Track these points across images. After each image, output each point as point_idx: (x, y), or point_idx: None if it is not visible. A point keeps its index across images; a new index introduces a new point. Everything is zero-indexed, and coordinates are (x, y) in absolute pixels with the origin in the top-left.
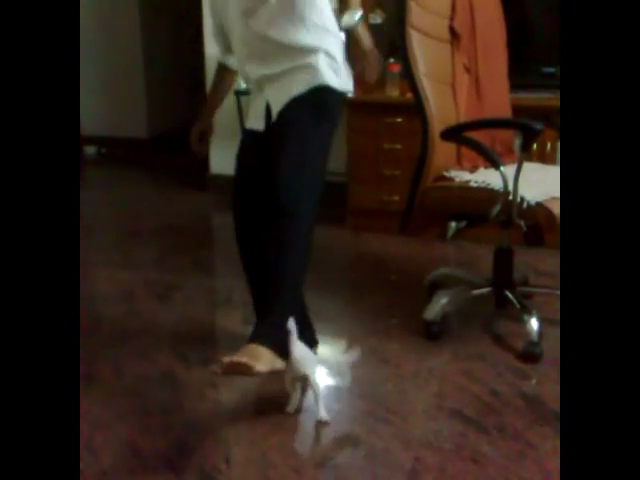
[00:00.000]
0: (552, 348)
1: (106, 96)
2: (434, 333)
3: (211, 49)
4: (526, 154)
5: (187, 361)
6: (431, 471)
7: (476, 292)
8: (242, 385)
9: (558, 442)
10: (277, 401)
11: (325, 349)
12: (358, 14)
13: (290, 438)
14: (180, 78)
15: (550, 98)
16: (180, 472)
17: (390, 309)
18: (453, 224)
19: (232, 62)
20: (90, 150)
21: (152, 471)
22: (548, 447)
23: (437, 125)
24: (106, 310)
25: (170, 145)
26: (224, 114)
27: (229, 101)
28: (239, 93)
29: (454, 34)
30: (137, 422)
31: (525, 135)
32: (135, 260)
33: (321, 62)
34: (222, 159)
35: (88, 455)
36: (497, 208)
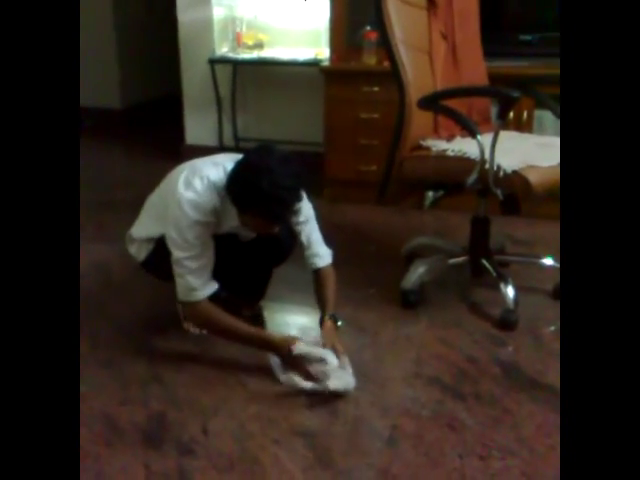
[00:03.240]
0: (528, 315)
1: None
2: (411, 302)
3: (184, 16)
4: (503, 122)
5: (165, 333)
6: (409, 438)
7: (453, 261)
8: (220, 356)
9: (534, 408)
10: (255, 372)
11: (304, 319)
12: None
13: (268, 408)
14: (154, 47)
15: (526, 66)
16: (158, 444)
17: (368, 279)
18: (430, 193)
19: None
20: None
21: (129, 443)
22: (524, 413)
23: (414, 93)
24: (82, 283)
25: (144, 116)
26: (198, 83)
27: (203, 70)
28: (213, 61)
29: (430, 0)
30: (114, 395)
31: (502, 103)
32: (110, 233)
33: None
34: (197, 129)
35: None
36: (473, 177)
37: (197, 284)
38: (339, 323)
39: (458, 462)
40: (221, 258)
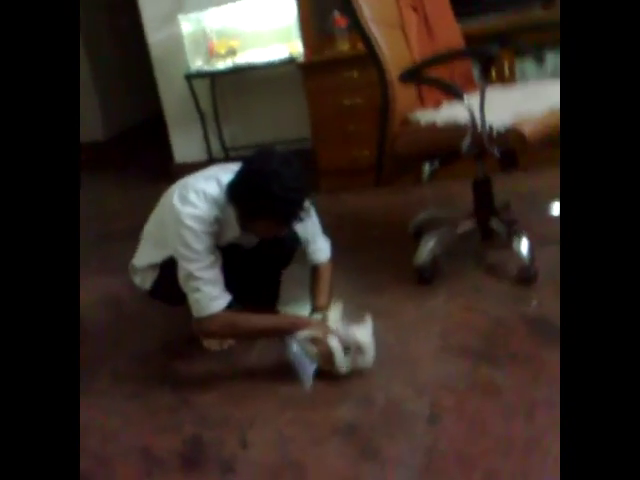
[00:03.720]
0: (546, 267)
1: None
2: (426, 277)
3: (153, 37)
4: (486, 81)
5: (185, 356)
6: (450, 413)
7: (461, 229)
8: (246, 368)
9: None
10: (283, 377)
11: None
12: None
13: (303, 410)
14: (129, 73)
15: (499, 18)
16: (199, 466)
17: (379, 263)
18: (426, 166)
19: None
20: None
21: (170, 471)
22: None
23: (393, 70)
24: (95, 318)
25: (130, 142)
26: (178, 101)
27: (181, 86)
28: (189, 76)
29: None
30: (145, 425)
31: (482, 62)
32: (114, 264)
33: None
34: (184, 147)
35: (101, 468)
36: (467, 141)
37: (217, 292)
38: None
39: (504, 427)
40: (226, 271)
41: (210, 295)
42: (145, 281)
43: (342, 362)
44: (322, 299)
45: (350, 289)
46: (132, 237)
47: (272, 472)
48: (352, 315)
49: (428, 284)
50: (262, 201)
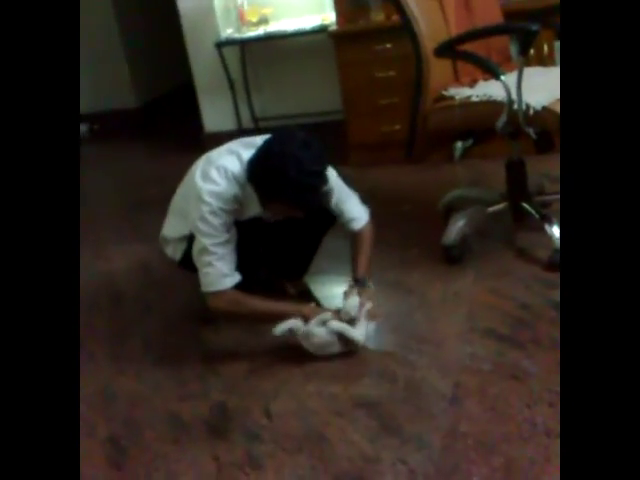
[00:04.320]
0: None
1: (88, 72)
2: (455, 257)
3: (184, 4)
4: (525, 59)
5: (213, 325)
6: (473, 395)
7: (492, 209)
8: (272, 340)
9: None
10: (307, 352)
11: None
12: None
13: (327, 383)
14: (160, 41)
15: None
16: (224, 434)
17: (407, 240)
18: (459, 144)
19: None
20: (82, 129)
21: (196, 438)
22: None
23: (429, 44)
24: (126, 285)
25: (161, 110)
26: (208, 69)
27: (211, 55)
28: (220, 44)
29: None
30: (174, 392)
31: (521, 39)
32: (145, 232)
33: None
34: (214, 116)
35: (129, 431)
36: (503, 120)
37: (227, 270)
38: (369, 285)
39: (527, 412)
40: (259, 238)
41: (221, 272)
42: (176, 252)
43: (355, 335)
44: (360, 271)
45: (378, 265)
46: (163, 205)
47: (295, 442)
48: (379, 292)
49: (457, 263)
50: (278, 184)
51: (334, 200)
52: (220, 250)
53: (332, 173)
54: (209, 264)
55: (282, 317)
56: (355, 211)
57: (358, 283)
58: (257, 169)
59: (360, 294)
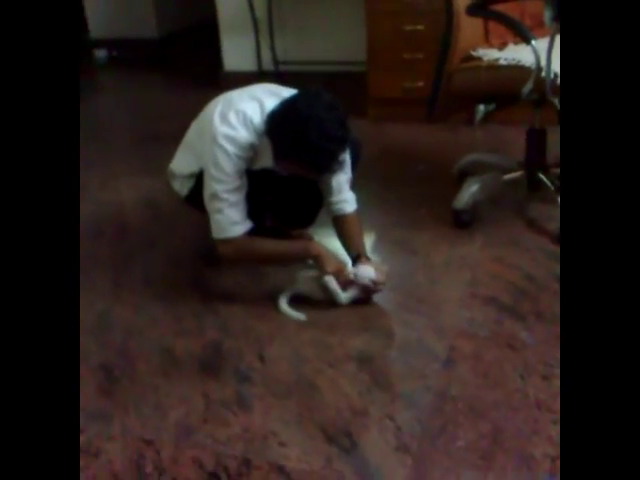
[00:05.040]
0: None
1: None
2: (464, 221)
3: None
4: (558, 26)
5: (216, 265)
6: (467, 359)
7: (508, 177)
8: (273, 285)
9: None
10: (307, 299)
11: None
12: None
13: (323, 333)
14: None
15: None
16: (216, 373)
17: (418, 200)
18: (481, 107)
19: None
20: (100, 54)
21: (187, 374)
22: None
23: (462, 0)
24: (132, 218)
25: (181, 43)
26: (233, 6)
27: None
28: None
29: None
30: (169, 327)
31: (556, 4)
32: (155, 165)
33: None
34: (235, 55)
35: (122, 361)
36: (529, 86)
37: (239, 217)
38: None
39: (519, 382)
40: (269, 186)
41: (231, 219)
42: (183, 188)
43: (340, 296)
44: (360, 247)
45: (387, 222)
46: (175, 141)
47: (285, 388)
48: (384, 249)
49: (466, 228)
50: (297, 145)
51: (339, 175)
52: (231, 197)
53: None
54: (220, 211)
55: (294, 256)
56: (349, 194)
57: (366, 260)
58: (278, 124)
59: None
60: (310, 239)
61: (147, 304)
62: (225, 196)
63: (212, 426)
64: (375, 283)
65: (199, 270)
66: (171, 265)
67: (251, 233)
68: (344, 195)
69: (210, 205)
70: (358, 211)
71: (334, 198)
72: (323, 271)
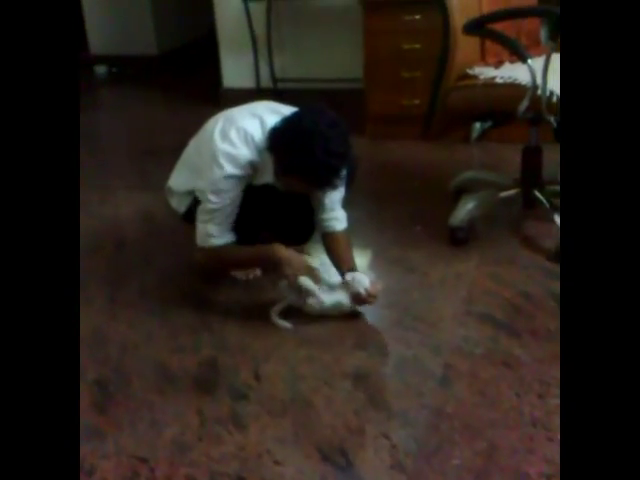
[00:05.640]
0: None
1: (113, 13)
2: (460, 239)
3: None
4: (554, 44)
5: (213, 280)
6: (463, 377)
7: (504, 194)
8: (269, 302)
9: None
10: (304, 317)
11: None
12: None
13: (318, 351)
14: None
15: None
16: (211, 390)
17: (415, 217)
18: (478, 125)
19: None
20: (100, 70)
21: (182, 390)
22: None
23: (458, 19)
24: (128, 233)
25: (181, 60)
26: (232, 23)
27: (237, 8)
28: None
29: None
30: (165, 343)
31: (553, 23)
32: (153, 181)
33: None
34: (234, 71)
35: (117, 377)
36: (525, 104)
37: (215, 231)
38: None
39: (515, 400)
40: (267, 202)
41: (209, 232)
42: (180, 205)
43: (318, 297)
44: (351, 264)
45: (383, 240)
46: (173, 156)
47: (281, 406)
48: (380, 267)
49: (462, 245)
50: (302, 160)
51: (331, 194)
52: (216, 216)
53: None
54: (204, 222)
55: (255, 260)
56: (341, 212)
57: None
58: (282, 140)
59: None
60: (279, 244)
61: (143, 320)
62: (213, 214)
63: (207, 444)
64: (368, 294)
65: (195, 286)
66: (167, 281)
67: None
68: (336, 213)
69: (199, 216)
70: (354, 228)
71: (325, 215)
72: (282, 273)
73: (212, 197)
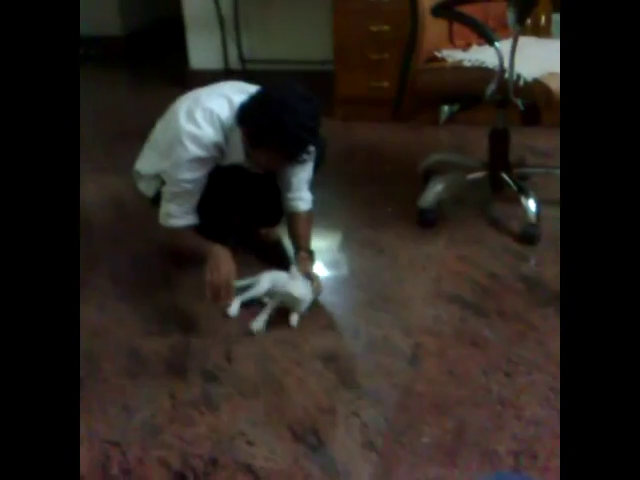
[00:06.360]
0: (550, 229)
1: None
2: (429, 220)
3: None
4: (521, 28)
5: (182, 265)
6: (432, 356)
7: (471, 176)
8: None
9: (559, 322)
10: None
11: (320, 242)
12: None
13: (289, 332)
14: None
15: None
16: (182, 373)
17: (385, 199)
18: (446, 108)
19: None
20: None
21: (154, 374)
22: (549, 327)
23: (426, 1)
24: (98, 216)
25: (147, 41)
26: (199, 3)
27: None
28: None
29: None
30: (136, 327)
31: (520, 6)
32: (122, 164)
33: None
34: (201, 52)
35: (87, 362)
36: (492, 87)
37: (176, 212)
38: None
39: (483, 379)
40: (237, 185)
41: (170, 212)
42: (149, 188)
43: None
44: (304, 241)
45: (353, 222)
46: (141, 139)
47: (252, 387)
48: (351, 248)
49: (431, 227)
50: (272, 131)
51: (299, 172)
52: (181, 196)
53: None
54: (167, 201)
55: (200, 252)
56: (307, 193)
57: (306, 254)
58: (252, 112)
59: (307, 268)
60: (221, 247)
61: (113, 304)
62: (173, 196)
63: (179, 426)
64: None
65: (165, 270)
66: (137, 265)
67: (218, 230)
68: (301, 193)
69: (163, 193)
70: (324, 210)
71: (291, 195)
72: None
73: (175, 178)
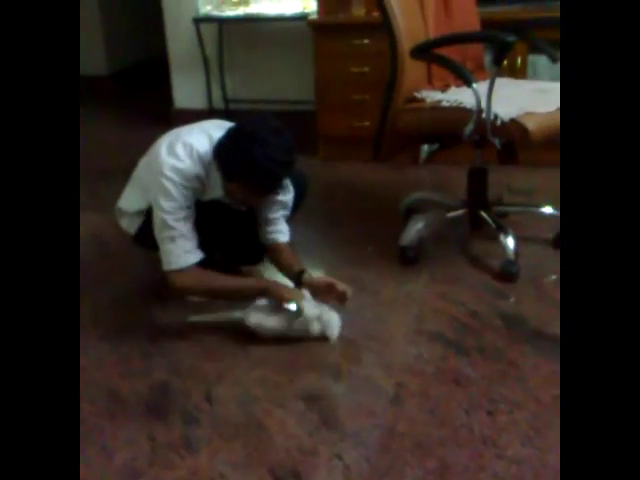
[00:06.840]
0: (529, 266)
1: None
2: (410, 258)
3: None
4: (498, 69)
5: (164, 303)
6: (414, 396)
7: (451, 214)
8: (221, 323)
9: (539, 359)
10: (256, 338)
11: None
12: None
13: (271, 373)
14: (137, 9)
15: (520, 10)
16: (162, 414)
17: (366, 237)
18: (425, 147)
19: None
20: None
21: (133, 415)
22: (529, 365)
23: (406, 43)
24: (80, 254)
25: (132, 80)
26: (184, 44)
27: (188, 30)
28: (198, 20)
29: None
30: (116, 367)
31: (497, 49)
32: (104, 202)
33: None
34: (185, 92)
35: None
36: (470, 127)
37: (191, 246)
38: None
39: (465, 418)
40: (219, 222)
41: (184, 248)
42: (131, 226)
43: (315, 328)
44: (298, 264)
45: (334, 260)
46: (124, 177)
47: (233, 429)
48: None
49: (412, 265)
50: (242, 164)
51: (279, 207)
52: (181, 226)
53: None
54: (172, 239)
55: (248, 292)
56: (284, 227)
57: (309, 274)
58: (224, 146)
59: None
60: (261, 276)
61: (93, 344)
62: (175, 224)
63: (158, 469)
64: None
65: (147, 309)
66: (118, 303)
67: (202, 265)
68: (279, 227)
69: (161, 235)
70: (306, 248)
71: (269, 228)
72: (282, 298)
73: (169, 210)
